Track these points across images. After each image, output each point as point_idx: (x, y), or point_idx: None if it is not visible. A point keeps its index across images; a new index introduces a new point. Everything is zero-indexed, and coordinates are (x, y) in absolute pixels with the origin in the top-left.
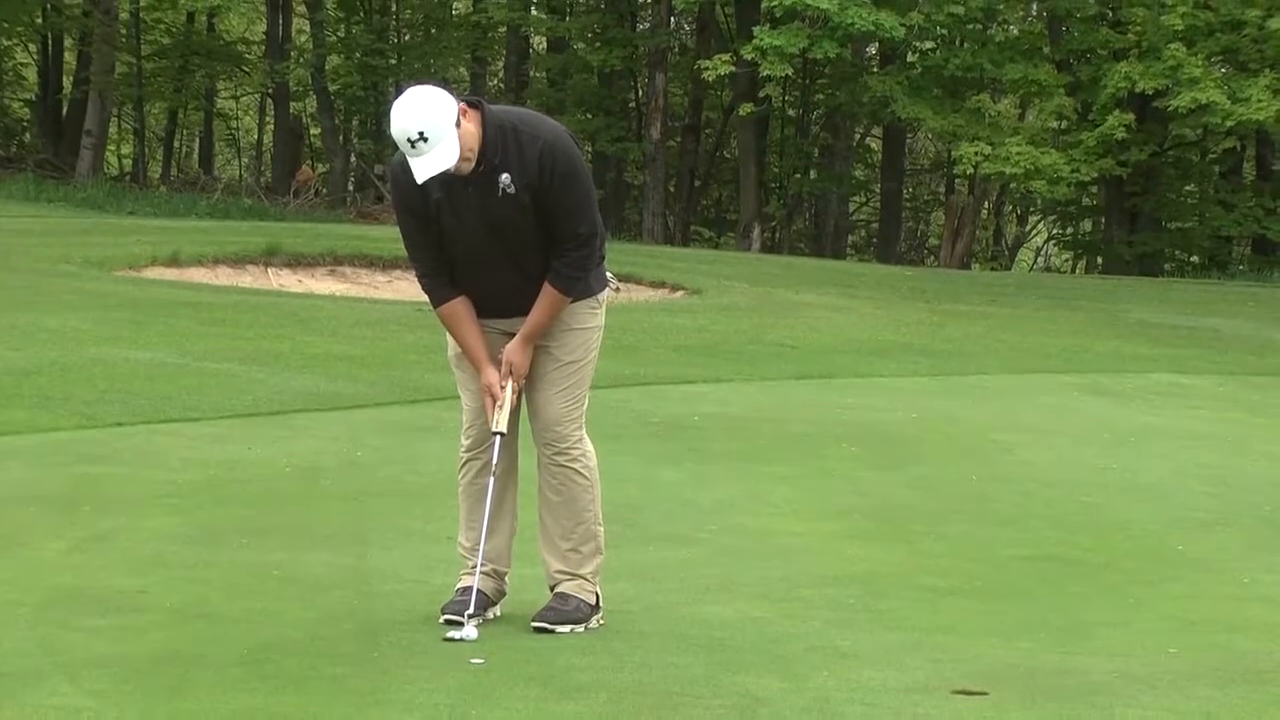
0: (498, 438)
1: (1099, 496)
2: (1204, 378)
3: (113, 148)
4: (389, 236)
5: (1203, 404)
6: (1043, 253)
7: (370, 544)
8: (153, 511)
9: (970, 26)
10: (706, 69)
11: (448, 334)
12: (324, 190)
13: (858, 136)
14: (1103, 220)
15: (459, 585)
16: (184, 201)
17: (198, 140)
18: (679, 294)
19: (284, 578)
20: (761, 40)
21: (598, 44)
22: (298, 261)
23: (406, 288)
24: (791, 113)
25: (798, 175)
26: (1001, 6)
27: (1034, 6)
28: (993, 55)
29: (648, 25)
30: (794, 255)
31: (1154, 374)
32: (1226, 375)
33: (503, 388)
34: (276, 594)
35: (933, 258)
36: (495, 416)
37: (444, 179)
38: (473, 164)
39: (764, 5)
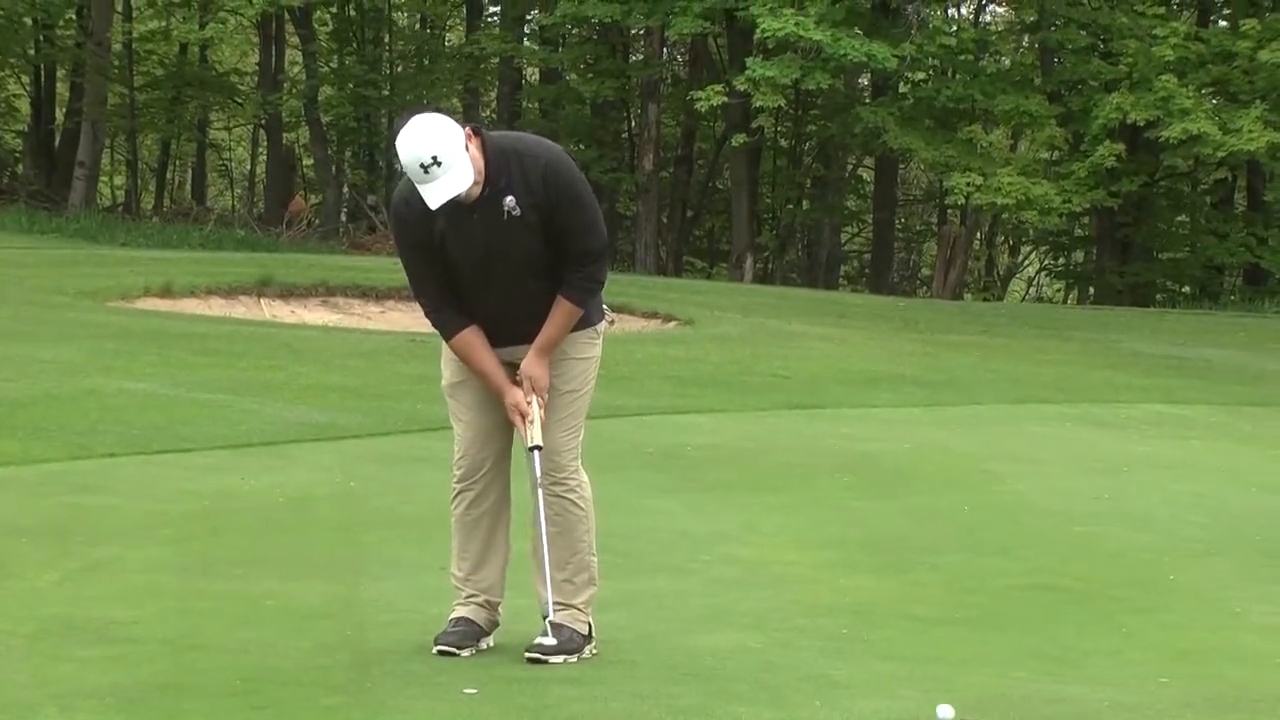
0: (536, 453)
1: (1091, 526)
2: (1196, 408)
3: (105, 179)
4: (382, 267)
5: (1195, 434)
6: (1035, 283)
7: (363, 574)
8: (145, 542)
9: (962, 58)
10: (699, 100)
11: (444, 363)
12: (317, 221)
13: (850, 167)
14: (1094, 250)
15: (452, 616)
16: (177, 232)
17: (190, 171)
18: (672, 324)
19: (277, 608)
20: (754, 71)
21: (590, 75)
22: (290, 292)
23: (399, 318)
24: (784, 143)
25: (790, 206)
26: (993, 38)
27: (1026, 38)
28: (984, 86)
29: (640, 57)
30: (787, 286)
31: (1146, 404)
32: (1218, 405)
33: (529, 403)
34: (270, 624)
35: (925, 288)
36: (528, 432)
37: (447, 208)
38: (479, 189)
39: (756, 36)
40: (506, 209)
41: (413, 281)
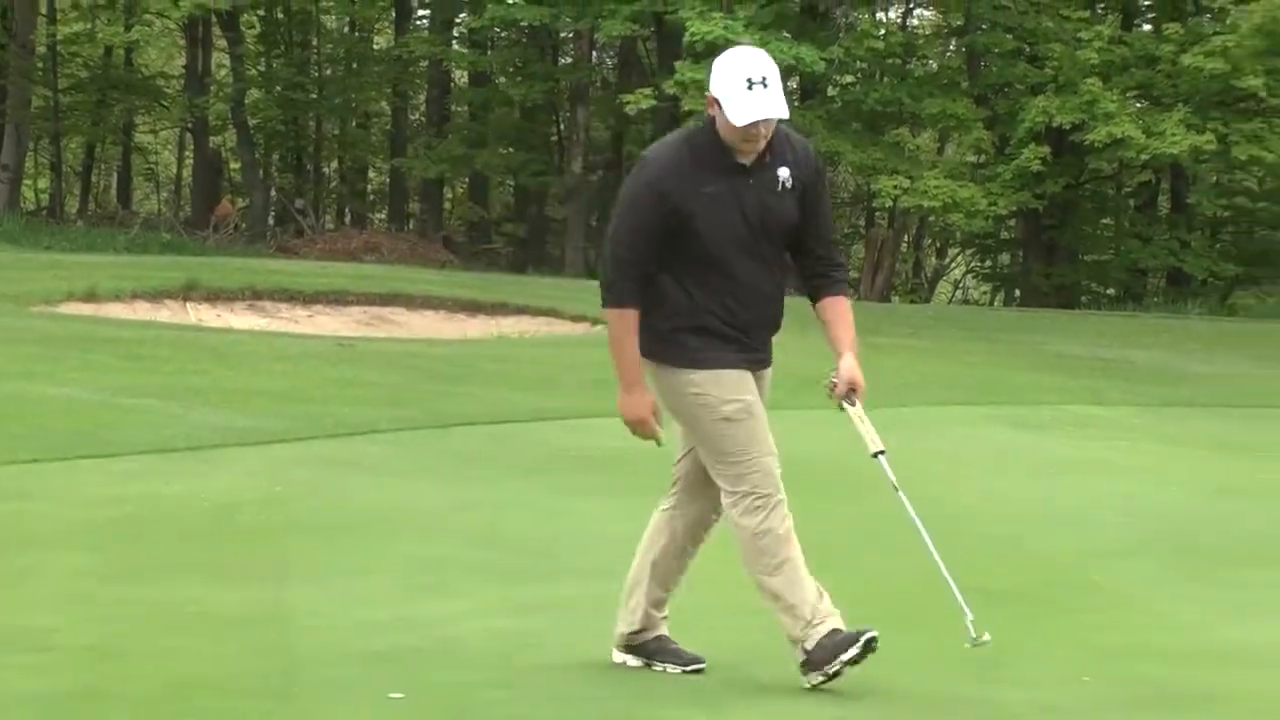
0: (883, 457)
1: (1016, 527)
2: (1119, 409)
3: (29, 182)
4: (309, 271)
5: (1118, 434)
6: (961, 285)
7: (289, 580)
8: (68, 548)
9: (890, 61)
10: (628, 103)
11: (719, 388)
12: (244, 225)
13: None
14: (1020, 253)
15: (831, 627)
16: (101, 236)
17: (116, 175)
18: (600, 328)
19: (202, 614)
20: (683, 75)
21: (519, 78)
22: (217, 296)
23: (327, 322)
24: None
25: None
26: (921, 42)
27: (953, 42)
28: (912, 90)
29: (569, 60)
30: None
31: (1070, 405)
32: (1141, 406)
33: (853, 405)
34: (194, 631)
35: (853, 290)
36: (871, 437)
37: (726, 174)
38: (762, 148)
39: (685, 40)
40: (782, 179)
41: (631, 230)
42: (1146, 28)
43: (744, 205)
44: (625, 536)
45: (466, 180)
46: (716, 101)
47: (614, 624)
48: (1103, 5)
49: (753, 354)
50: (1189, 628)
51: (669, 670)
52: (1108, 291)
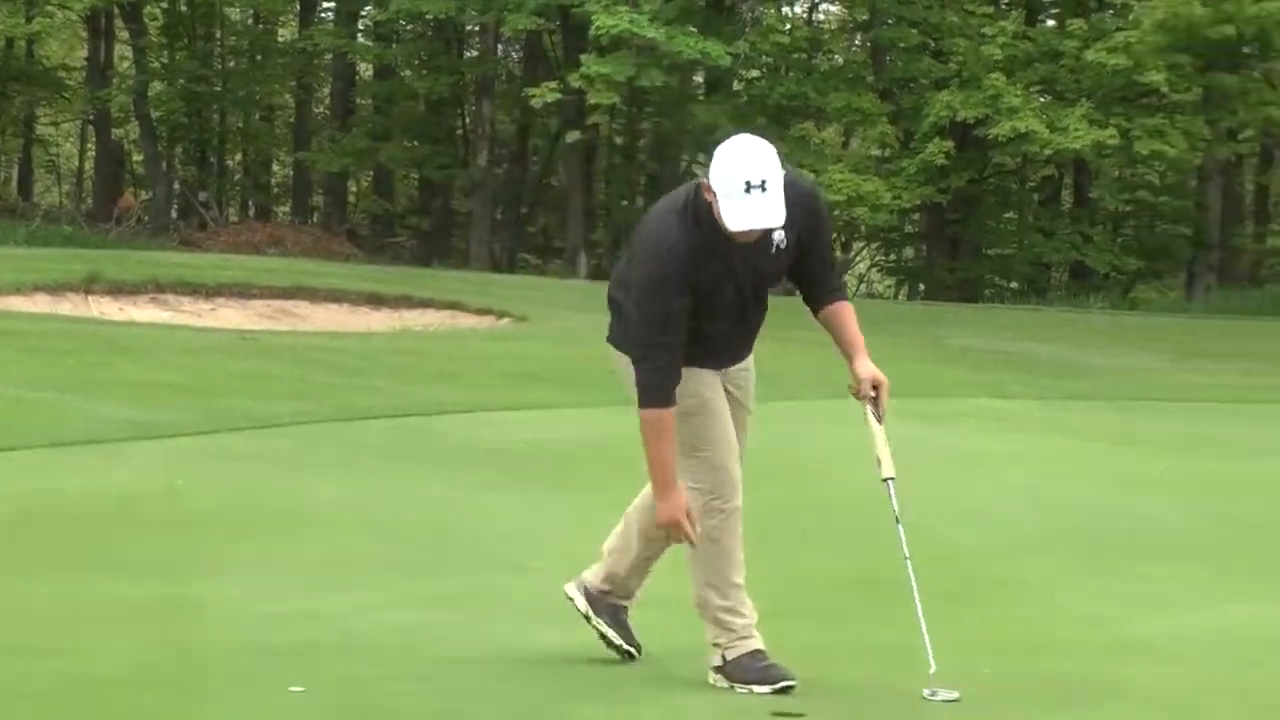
0: (890, 483)
1: (917, 520)
2: (1022, 402)
3: None
4: (211, 264)
5: (1021, 427)
6: (866, 279)
7: (191, 574)
8: None
9: (795, 55)
10: (534, 96)
11: (677, 386)
12: (146, 218)
13: (684, 164)
14: (924, 247)
15: (755, 649)
16: (1, 229)
17: (16, 167)
18: (505, 321)
19: (103, 609)
20: (589, 68)
21: (424, 71)
22: (119, 289)
23: (230, 315)
24: (619, 140)
25: (625, 202)
26: (826, 36)
27: (858, 36)
28: (817, 84)
29: (475, 53)
30: None
31: (974, 398)
32: (1044, 399)
33: (878, 416)
34: (96, 626)
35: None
36: (887, 462)
37: (724, 247)
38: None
39: (591, 33)
40: (776, 243)
41: (658, 333)
42: (1050, 23)
43: (738, 279)
44: (528, 530)
45: (371, 173)
46: (713, 193)
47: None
48: (1007, 1)
49: (724, 363)
50: (1091, 621)
51: (602, 628)
52: (1011, 285)
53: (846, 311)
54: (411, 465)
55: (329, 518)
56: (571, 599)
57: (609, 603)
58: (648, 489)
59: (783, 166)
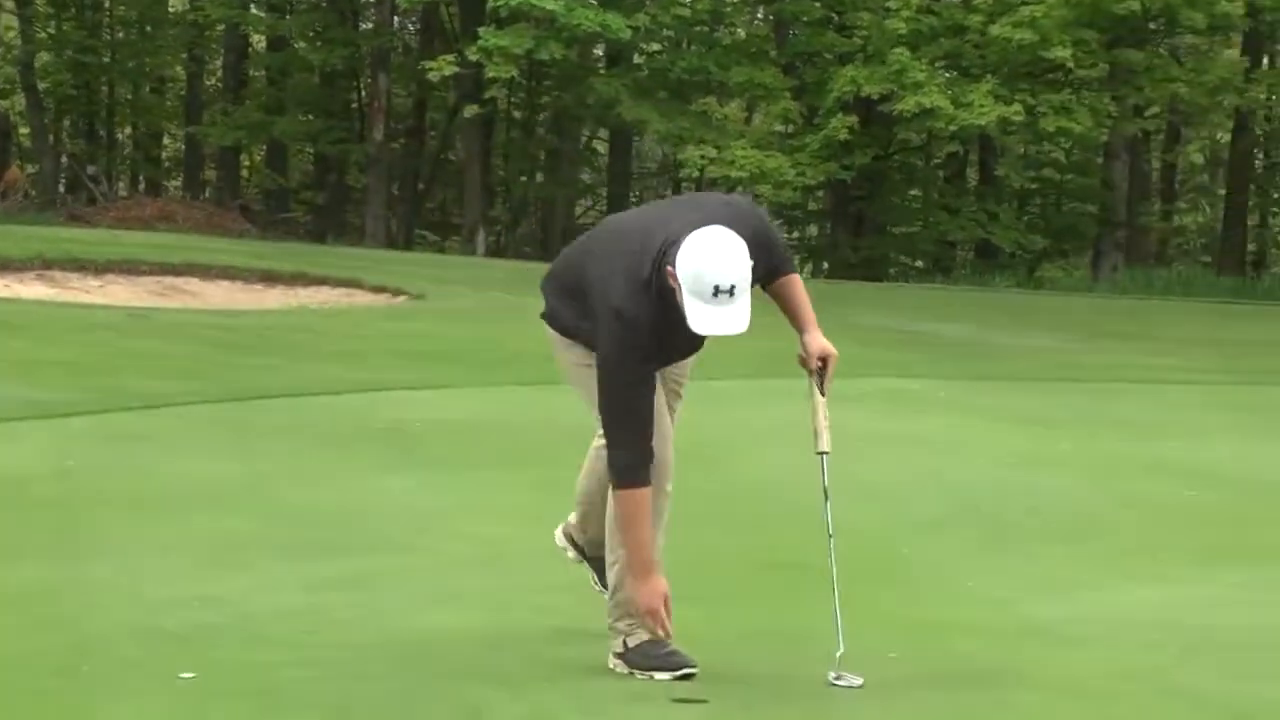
0: (824, 458)
1: (812, 500)
2: (927, 381)
3: None
4: (101, 240)
5: (925, 408)
6: None
7: (81, 556)
8: None
9: (697, 29)
10: (430, 70)
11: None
12: (33, 192)
13: (584, 139)
14: (828, 224)
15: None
16: None
17: None
18: (401, 299)
19: None
20: (486, 41)
21: (319, 43)
22: (5, 266)
23: (119, 292)
24: (517, 115)
25: (524, 178)
26: (728, 9)
27: (760, 10)
28: (719, 58)
29: (370, 25)
30: (520, 260)
31: (878, 378)
32: (949, 380)
33: (822, 389)
34: None
35: None
36: (824, 436)
37: (676, 310)
38: None
39: (489, 6)
40: None
41: (630, 404)
42: None
43: (694, 334)
44: (428, 511)
45: (264, 147)
46: (679, 285)
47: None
48: None
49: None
50: (996, 603)
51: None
52: (916, 264)
53: (795, 284)
54: (307, 445)
55: (223, 499)
56: (565, 549)
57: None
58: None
59: (731, 205)
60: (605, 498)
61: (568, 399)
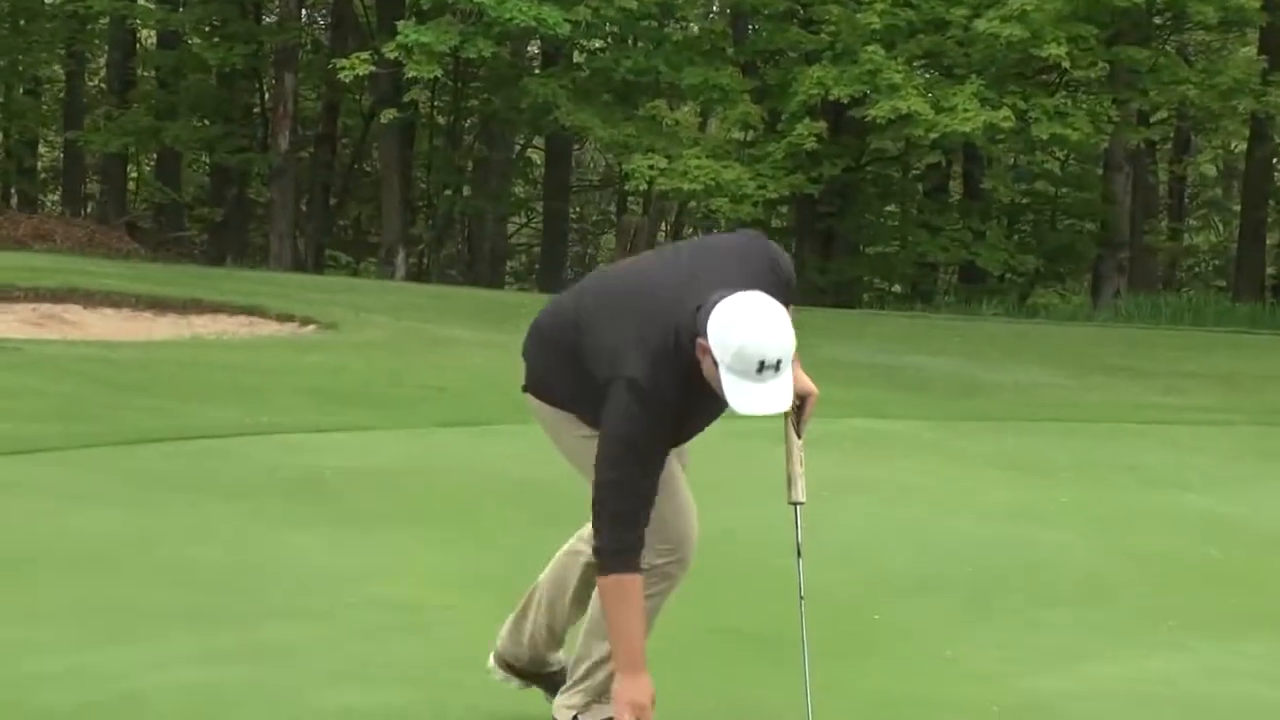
0: (798, 509)
1: (785, 558)
2: (904, 422)
3: None
4: None
5: (903, 453)
6: None
7: None
8: None
9: (644, 23)
10: (343, 69)
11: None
12: None
13: (517, 148)
14: (794, 244)
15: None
16: None
17: None
18: (310, 329)
19: None
20: (406, 36)
21: (216, 39)
22: None
23: None
24: (441, 120)
25: (449, 192)
26: (680, 2)
27: (716, 2)
28: (669, 56)
29: (275, 18)
30: (444, 284)
31: (849, 419)
32: (930, 420)
33: (798, 431)
34: None
35: None
36: (799, 485)
37: (707, 398)
38: None
39: None
40: None
41: (642, 494)
42: None
43: (715, 407)
44: (341, 572)
45: (154, 157)
46: (714, 361)
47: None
48: None
49: None
50: (985, 677)
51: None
52: (893, 288)
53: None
54: (203, 496)
55: (105, 558)
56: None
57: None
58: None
59: (749, 249)
60: (566, 609)
61: (498, 443)
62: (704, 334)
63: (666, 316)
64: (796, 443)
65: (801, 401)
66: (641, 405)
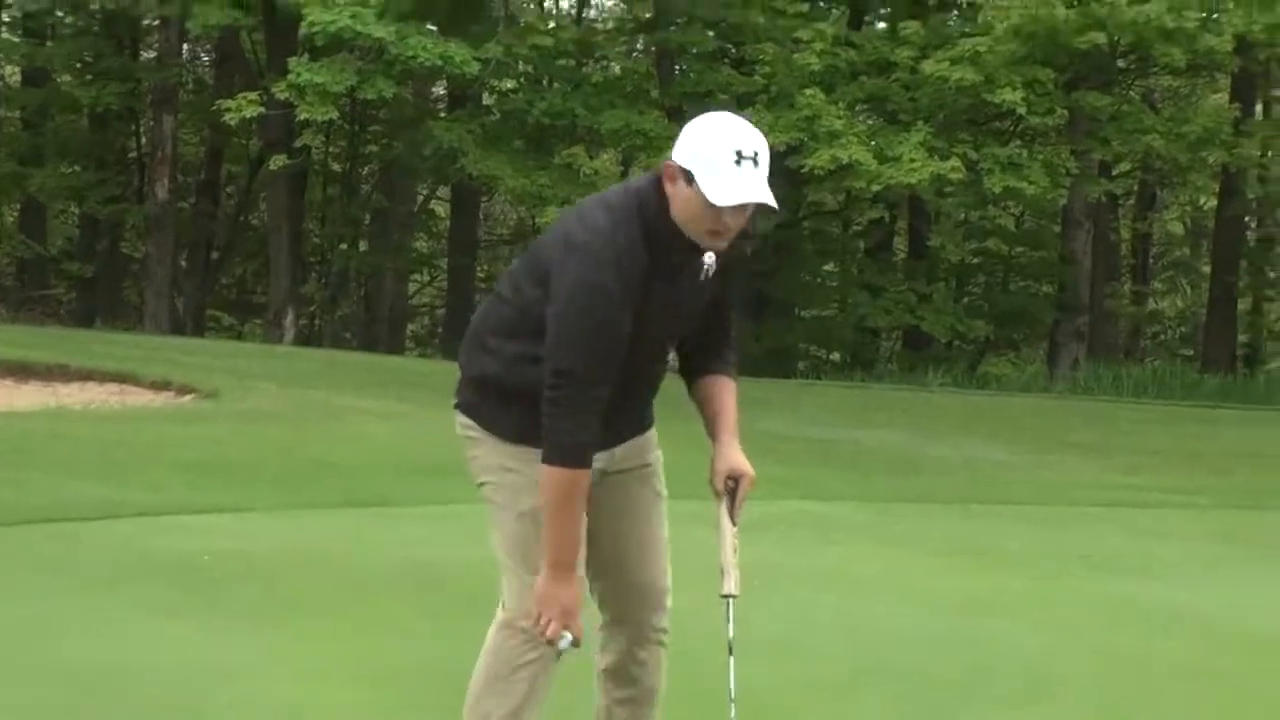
0: (730, 602)
1: (706, 653)
2: (841, 504)
3: None
4: None
5: (839, 536)
6: None
7: None
8: None
9: (561, 63)
10: (228, 110)
11: (529, 473)
12: None
13: (420, 199)
14: None
15: None
16: None
17: None
18: (189, 398)
19: None
20: (298, 75)
21: (88, 77)
22: None
23: None
24: (337, 168)
25: (344, 247)
26: (599, 39)
27: (640, 39)
28: (588, 99)
29: (154, 54)
30: (338, 349)
31: (782, 500)
32: (869, 501)
33: (732, 516)
34: None
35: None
36: (732, 576)
37: (661, 262)
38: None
39: (302, 31)
40: (705, 267)
41: (595, 366)
42: (880, 26)
43: (673, 301)
44: (220, 668)
45: (17, 207)
46: (685, 174)
47: None
48: None
49: (614, 436)
50: None
51: None
52: (831, 356)
53: (728, 388)
54: (67, 584)
55: None
56: None
57: None
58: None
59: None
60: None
61: (398, 526)
62: (671, 158)
63: (631, 189)
64: (730, 530)
65: (735, 483)
66: (599, 267)
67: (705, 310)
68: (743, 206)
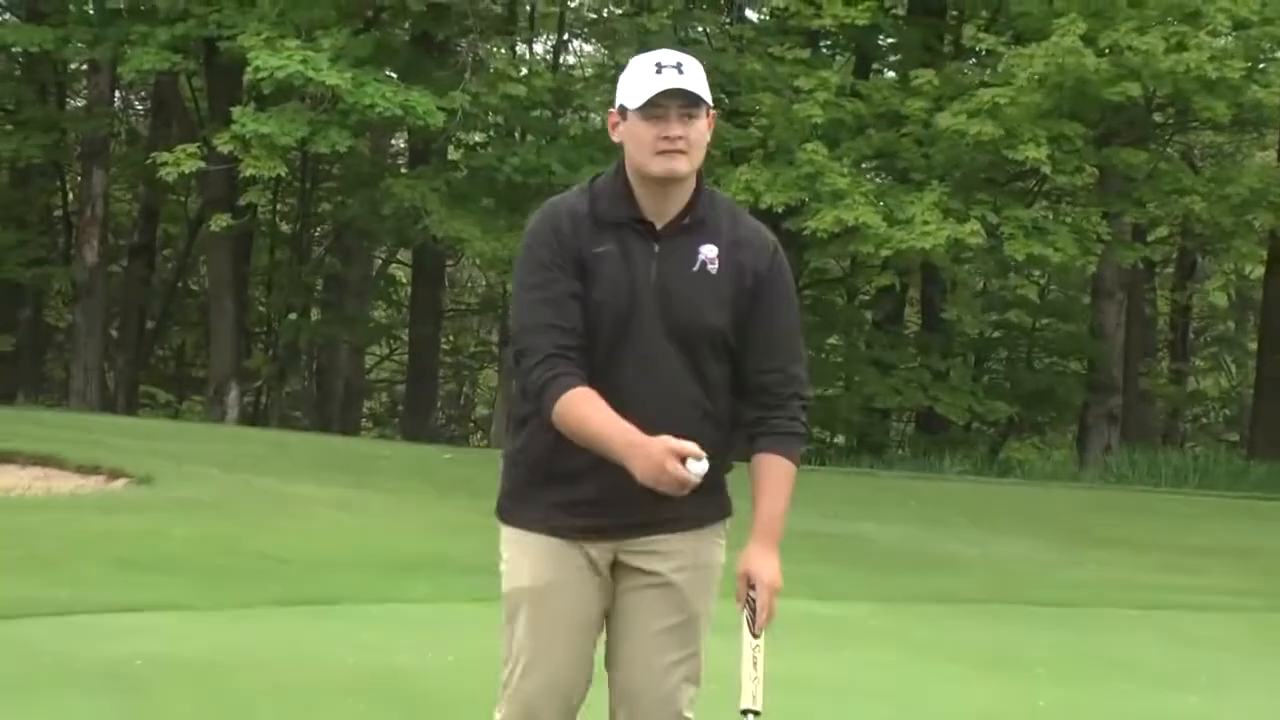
0: (749, 718)
1: None
2: (851, 605)
3: None
4: None
5: (849, 642)
6: None
7: None
8: None
9: (535, 114)
10: (165, 165)
11: (516, 551)
12: None
13: (378, 264)
14: None
15: None
16: None
17: None
18: (120, 483)
19: None
20: (244, 125)
21: (9, 127)
22: None
23: None
24: (286, 229)
25: (293, 316)
26: (579, 87)
27: None
28: (565, 153)
29: (82, 103)
30: (287, 428)
31: (787, 599)
32: (879, 602)
33: (754, 627)
34: None
35: (482, 433)
36: (749, 689)
37: (616, 231)
38: (688, 182)
39: (248, 78)
40: (702, 258)
41: (525, 317)
42: (890, 75)
43: (635, 273)
44: None
45: None
46: (620, 111)
47: None
48: (829, 44)
49: (598, 514)
50: None
51: None
52: (836, 440)
53: (776, 472)
54: None
55: None
56: None
57: None
58: None
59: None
60: None
61: (350, 627)
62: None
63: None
64: (750, 642)
65: (756, 591)
66: (529, 235)
67: (740, 337)
68: (684, 117)
